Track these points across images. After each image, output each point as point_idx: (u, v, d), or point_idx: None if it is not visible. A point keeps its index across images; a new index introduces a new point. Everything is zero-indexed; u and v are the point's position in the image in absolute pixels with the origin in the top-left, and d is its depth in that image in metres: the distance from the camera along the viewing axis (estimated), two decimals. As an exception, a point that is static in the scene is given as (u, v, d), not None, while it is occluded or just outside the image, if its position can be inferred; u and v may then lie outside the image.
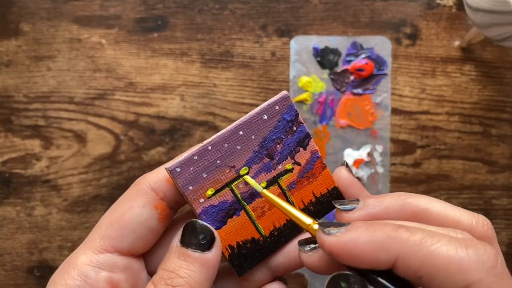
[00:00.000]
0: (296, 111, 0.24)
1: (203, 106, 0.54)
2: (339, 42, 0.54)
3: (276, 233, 0.25)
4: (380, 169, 0.54)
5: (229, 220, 0.24)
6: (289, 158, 0.25)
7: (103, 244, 0.23)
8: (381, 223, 0.19)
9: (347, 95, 0.54)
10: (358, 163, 0.53)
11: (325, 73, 0.54)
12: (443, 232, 0.19)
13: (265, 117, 0.24)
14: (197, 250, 0.22)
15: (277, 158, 0.24)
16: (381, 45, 0.54)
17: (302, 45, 0.54)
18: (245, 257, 0.24)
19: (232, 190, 0.24)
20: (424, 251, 0.17)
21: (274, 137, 0.24)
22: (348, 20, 0.54)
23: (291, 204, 0.25)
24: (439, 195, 0.54)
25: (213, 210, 0.24)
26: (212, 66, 0.54)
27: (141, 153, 0.54)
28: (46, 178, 0.54)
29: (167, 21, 0.54)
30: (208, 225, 0.23)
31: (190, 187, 0.23)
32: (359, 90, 0.54)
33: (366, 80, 0.54)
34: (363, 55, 0.54)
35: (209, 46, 0.54)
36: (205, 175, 0.23)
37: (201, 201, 0.23)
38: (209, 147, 0.23)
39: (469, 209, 0.21)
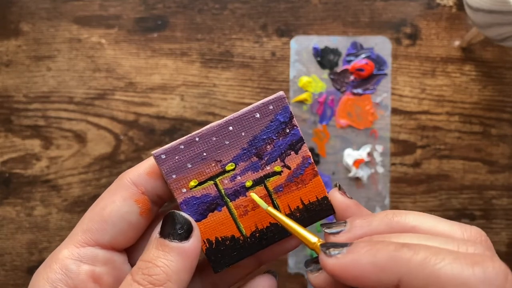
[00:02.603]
0: (291, 113, 0.24)
1: (203, 106, 0.54)
2: (339, 42, 0.54)
3: (257, 234, 0.24)
4: (380, 169, 0.54)
5: (210, 214, 0.24)
6: (278, 160, 0.24)
7: (85, 238, 0.23)
8: (384, 242, 0.19)
9: (347, 95, 0.54)
10: (358, 163, 0.53)
11: (325, 73, 0.54)
12: (451, 247, 0.18)
13: (258, 115, 0.24)
14: (175, 240, 0.22)
15: (266, 158, 0.24)
16: (381, 45, 0.54)
17: (302, 45, 0.54)
18: (223, 254, 0.24)
19: (216, 185, 0.24)
20: (427, 271, 0.17)
21: (264, 137, 0.24)
22: (348, 20, 0.54)
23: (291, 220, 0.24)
24: (439, 195, 0.54)
25: (194, 202, 0.24)
26: (212, 66, 0.54)
27: (141, 153, 0.54)
28: (46, 178, 0.54)
29: (167, 21, 0.54)
30: (186, 216, 0.23)
31: (174, 175, 0.23)
32: (359, 90, 0.54)
33: (366, 80, 0.54)
34: (363, 55, 0.54)
35: (209, 46, 0.54)
36: (189, 166, 0.23)
37: (183, 191, 0.23)
38: (197, 138, 0.23)
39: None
